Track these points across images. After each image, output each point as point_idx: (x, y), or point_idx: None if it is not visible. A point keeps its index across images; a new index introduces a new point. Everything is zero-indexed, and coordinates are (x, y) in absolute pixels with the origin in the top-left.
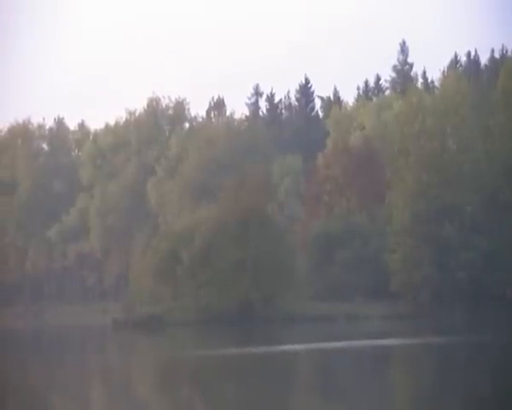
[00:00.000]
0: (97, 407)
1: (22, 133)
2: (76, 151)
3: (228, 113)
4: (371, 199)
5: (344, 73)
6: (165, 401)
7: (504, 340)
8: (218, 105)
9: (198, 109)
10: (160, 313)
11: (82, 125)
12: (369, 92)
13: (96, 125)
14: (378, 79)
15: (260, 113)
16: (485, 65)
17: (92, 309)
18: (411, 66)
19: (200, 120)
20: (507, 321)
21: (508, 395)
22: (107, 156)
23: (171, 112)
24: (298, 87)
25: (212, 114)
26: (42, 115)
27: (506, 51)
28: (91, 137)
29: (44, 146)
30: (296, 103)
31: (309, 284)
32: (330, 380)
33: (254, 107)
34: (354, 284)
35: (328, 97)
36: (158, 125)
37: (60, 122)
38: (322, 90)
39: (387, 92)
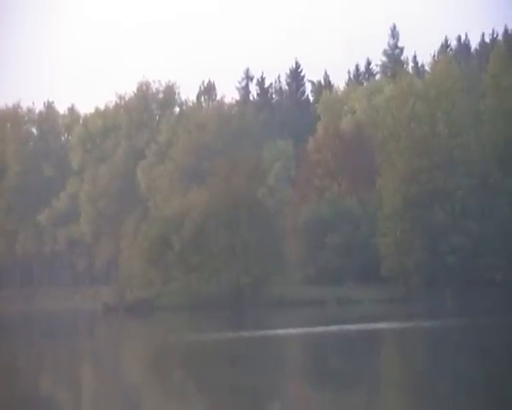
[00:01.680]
0: (88, 391)
1: (12, 117)
2: (66, 135)
3: (218, 97)
4: (362, 183)
5: (334, 57)
6: (155, 385)
7: (495, 323)
8: (209, 89)
9: (188, 93)
10: (151, 298)
11: (72, 110)
12: (360, 77)
13: (85, 109)
14: (369, 63)
15: (251, 97)
16: (476, 49)
17: (82, 294)
18: (402, 50)
19: (191, 104)
20: (497, 305)
21: (498, 377)
22: (96, 141)
23: (161, 96)
24: (288, 71)
25: (203, 99)
26: (31, 99)
27: (496, 35)
28: (81, 122)
29: (34, 130)
30: (286, 88)
31: (300, 269)
32: (321, 364)
33: (245, 91)
34: (345, 268)
35: (319, 82)
36: (148, 110)
37: (49, 106)
38: (312, 75)
39: (378, 77)
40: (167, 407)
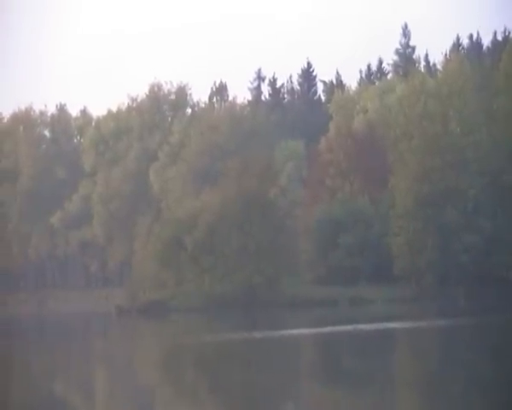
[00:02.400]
0: (102, 393)
1: (24, 120)
2: (78, 138)
3: (230, 98)
4: (374, 183)
5: (346, 56)
6: (170, 386)
7: (508, 322)
8: (221, 90)
9: (200, 95)
10: (164, 299)
11: (84, 112)
12: (372, 76)
13: (98, 111)
14: (380, 62)
15: (262, 97)
16: (488, 47)
17: (95, 296)
18: (413, 49)
19: (203, 105)
20: (510, 303)
21: (510, 375)
22: (109, 143)
23: (173, 97)
24: (300, 71)
25: (215, 99)
26: (44, 102)
27: (508, 33)
28: (93, 124)
29: (46, 133)
30: (298, 88)
31: (312, 269)
32: (334, 364)
33: (256, 91)
34: (357, 268)
35: (331, 81)
36: (160, 111)
37: (62, 109)
38: (324, 75)
39: (390, 76)
40: (181, 408)
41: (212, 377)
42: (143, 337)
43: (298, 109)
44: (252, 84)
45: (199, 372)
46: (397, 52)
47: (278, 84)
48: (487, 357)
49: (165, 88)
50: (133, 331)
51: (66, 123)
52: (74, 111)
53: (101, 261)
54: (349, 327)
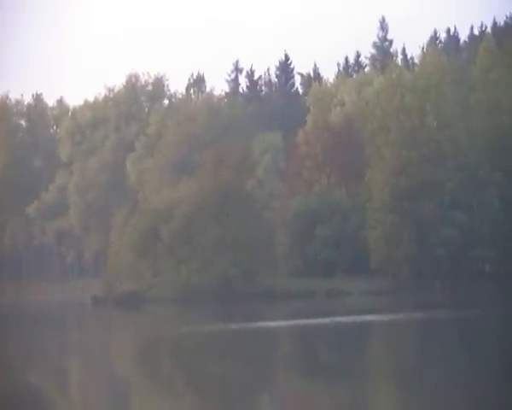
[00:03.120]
0: (77, 383)
1: (0, 110)
2: (54, 127)
3: (207, 89)
4: (351, 176)
5: (324, 49)
6: (143, 377)
7: (484, 315)
8: (198, 81)
9: (177, 86)
10: (140, 290)
11: (60, 102)
12: (349, 69)
13: (74, 101)
14: (358, 55)
15: (240, 89)
16: (465, 42)
17: (71, 286)
18: (391, 42)
19: (180, 96)
20: (486, 296)
21: (485, 368)
22: (86, 133)
23: (150, 88)
24: (278, 64)
25: (192, 91)
26: (20, 91)
27: (485, 28)
28: (70, 114)
29: (22, 122)
30: (276, 80)
31: (289, 261)
32: (310, 356)
33: (234, 83)
34: (334, 261)
35: (308, 74)
36: (137, 102)
37: (38, 98)
38: (302, 67)
39: (367, 69)
40: (155, 400)
41: (187, 368)
42: (118, 328)
43: (275, 102)
44: (229, 75)
45: (174, 364)
46: (374, 45)
47: (256, 76)
48: (463, 350)
49: (143, 79)
50: (108, 322)
51: (43, 113)
52: (51, 101)
53: (77, 252)
54: (326, 319)
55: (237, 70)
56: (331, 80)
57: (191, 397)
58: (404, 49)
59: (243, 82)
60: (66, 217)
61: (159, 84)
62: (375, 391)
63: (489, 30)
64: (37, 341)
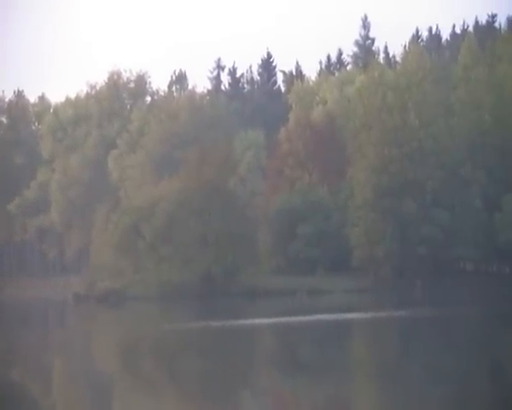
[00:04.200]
0: (58, 381)
1: None
2: (36, 124)
3: (190, 87)
4: (333, 173)
5: (306, 47)
6: (124, 374)
7: (464, 313)
8: (180, 79)
9: (160, 83)
10: (122, 288)
11: (42, 98)
12: (332, 67)
13: (56, 98)
14: (340, 53)
15: (222, 87)
16: (447, 40)
17: (53, 284)
18: (373, 41)
19: (162, 93)
20: (466, 295)
21: (467, 365)
22: (67, 130)
23: (132, 85)
24: (260, 61)
25: (174, 88)
26: (1, 88)
27: (467, 27)
28: (52, 110)
29: (4, 119)
30: (258, 78)
31: (271, 258)
32: (291, 353)
33: (216, 81)
34: (316, 259)
35: (291, 72)
36: (119, 99)
37: (19, 95)
38: (284, 65)
39: (349, 67)
40: (134, 397)
41: (167, 365)
42: (98, 325)
43: (257, 99)
44: (211, 73)
45: (154, 361)
46: (356, 44)
47: (238, 73)
48: (443, 347)
49: (125, 76)
50: (88, 319)
51: (24, 109)
52: (32, 97)
53: (59, 249)
54: (307, 317)
55: (219, 68)
56: (313, 78)
57: (171, 394)
58: (386, 48)
59: (225, 80)
60: (48, 214)
61: (141, 81)
62: (354, 388)
63: (471, 29)
64: (16, 338)
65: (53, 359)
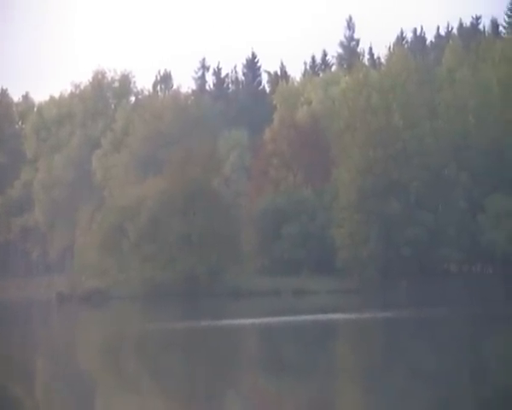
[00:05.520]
0: (41, 381)
1: None
2: (20, 123)
3: (174, 86)
4: (318, 174)
5: (291, 48)
6: (106, 375)
7: (449, 314)
8: (165, 79)
9: (144, 83)
10: (106, 287)
11: (26, 97)
12: (316, 68)
13: (40, 97)
14: (325, 54)
15: (207, 87)
16: (431, 42)
17: (37, 283)
18: (358, 42)
19: (147, 93)
20: (451, 296)
21: (451, 366)
22: (51, 129)
23: (116, 85)
24: (245, 61)
25: (159, 88)
26: None
27: (451, 29)
28: (36, 110)
29: None
30: (243, 78)
31: (255, 259)
32: (274, 354)
33: (201, 81)
34: (301, 259)
35: (275, 72)
36: (103, 98)
37: (3, 94)
38: (269, 65)
39: (334, 68)
40: (114, 397)
41: (150, 365)
42: (81, 325)
43: (242, 99)
44: (196, 73)
45: (136, 361)
46: (341, 45)
47: (223, 73)
48: (428, 349)
49: (109, 75)
50: (71, 319)
51: (8, 108)
52: (16, 96)
53: (43, 248)
54: (291, 318)
55: (204, 68)
56: (298, 79)
57: (152, 394)
58: (370, 49)
59: (210, 80)
60: (32, 213)
61: (125, 80)
62: (335, 388)
63: (455, 31)
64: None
65: (34, 359)
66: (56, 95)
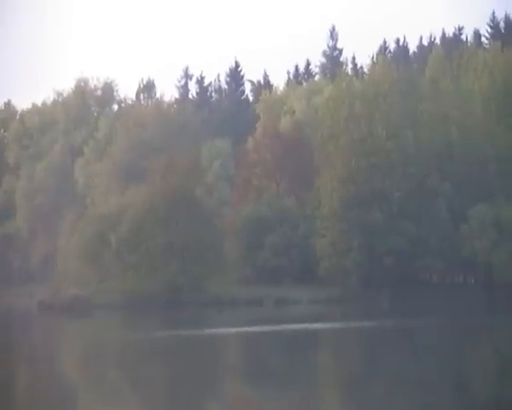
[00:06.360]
0: (22, 391)
1: None
2: (2, 131)
3: (157, 95)
4: (300, 183)
5: (274, 57)
6: (86, 384)
7: (430, 324)
8: (148, 87)
9: (127, 91)
10: (87, 296)
11: (8, 105)
12: (299, 77)
13: (22, 104)
14: (308, 64)
15: (190, 96)
16: (414, 52)
17: (18, 292)
18: (341, 51)
19: (130, 101)
20: (433, 306)
21: (431, 376)
22: (33, 137)
23: (99, 93)
24: (228, 70)
25: (142, 96)
26: None
27: (434, 39)
28: (18, 117)
29: None
30: (226, 87)
31: (238, 268)
32: (255, 363)
33: (184, 89)
34: (283, 269)
35: (259, 81)
36: (86, 106)
37: None
38: (252, 74)
39: (317, 77)
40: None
41: (131, 375)
42: (62, 334)
43: (225, 108)
44: (179, 82)
45: (117, 371)
46: (324, 54)
47: (206, 82)
48: (409, 359)
49: (92, 83)
50: (54, 328)
51: None
52: None
53: (24, 257)
54: (273, 327)
55: (187, 76)
56: (281, 88)
57: (132, 405)
58: (353, 59)
59: (193, 88)
60: (14, 221)
61: (108, 89)
62: (315, 397)
63: (438, 41)
64: None
65: (12, 369)
66: (39, 102)
